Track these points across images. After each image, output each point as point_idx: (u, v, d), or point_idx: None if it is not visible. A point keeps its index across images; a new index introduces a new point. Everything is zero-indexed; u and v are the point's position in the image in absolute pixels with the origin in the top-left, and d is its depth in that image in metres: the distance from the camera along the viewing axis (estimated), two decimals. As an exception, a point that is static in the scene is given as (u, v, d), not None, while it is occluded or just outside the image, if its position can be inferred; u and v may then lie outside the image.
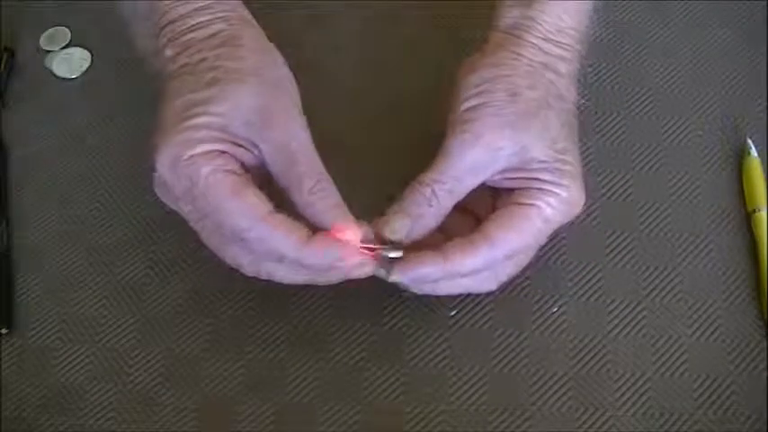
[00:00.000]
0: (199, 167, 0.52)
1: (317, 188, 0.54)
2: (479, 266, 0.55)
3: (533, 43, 0.57)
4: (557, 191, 0.55)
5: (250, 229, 0.52)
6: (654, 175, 0.64)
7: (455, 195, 0.55)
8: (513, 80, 0.56)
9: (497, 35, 0.59)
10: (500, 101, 0.55)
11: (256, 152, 0.54)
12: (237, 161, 0.54)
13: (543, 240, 0.57)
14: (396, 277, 0.55)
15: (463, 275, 0.56)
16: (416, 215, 0.55)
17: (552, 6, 0.58)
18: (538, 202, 0.55)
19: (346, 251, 0.53)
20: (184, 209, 0.56)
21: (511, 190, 0.56)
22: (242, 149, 0.54)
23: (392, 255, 0.55)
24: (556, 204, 0.55)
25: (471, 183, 0.56)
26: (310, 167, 0.54)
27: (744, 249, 0.61)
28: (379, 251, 0.54)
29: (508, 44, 0.58)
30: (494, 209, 0.56)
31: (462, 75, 0.57)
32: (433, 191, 0.55)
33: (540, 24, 0.58)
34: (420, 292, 0.57)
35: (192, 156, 0.52)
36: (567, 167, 0.56)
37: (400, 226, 0.55)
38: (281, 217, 0.53)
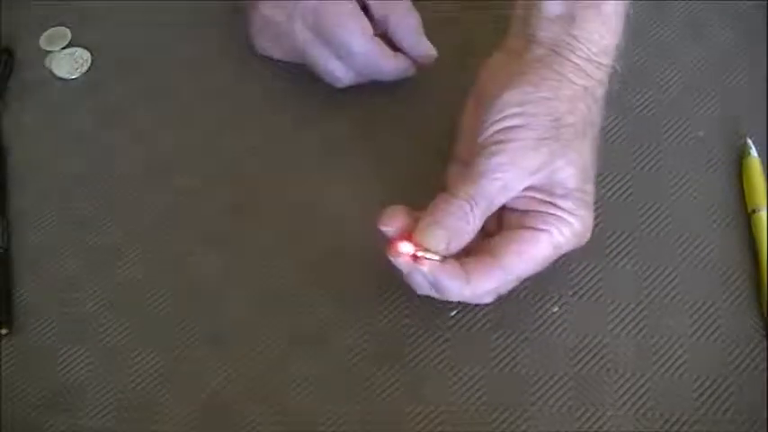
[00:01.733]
0: None
1: (408, 18, 0.66)
2: (493, 289, 0.56)
3: (577, 64, 0.56)
4: (571, 220, 0.55)
5: (359, 45, 0.63)
6: (654, 175, 0.64)
7: (486, 214, 0.55)
8: (555, 104, 0.55)
9: (537, 48, 0.57)
10: (540, 125, 0.55)
11: None
12: None
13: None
14: (427, 270, 0.54)
15: (479, 296, 0.56)
16: (455, 230, 0.55)
17: (596, 24, 0.57)
18: (551, 229, 0.55)
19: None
20: (297, 31, 0.65)
21: (525, 211, 0.56)
22: None
23: (429, 257, 0.54)
24: (568, 234, 0.55)
25: (501, 203, 0.56)
26: (406, 3, 0.66)
27: (744, 249, 0.61)
28: (422, 255, 0.54)
29: (551, 62, 0.56)
30: (499, 221, 0.57)
31: (498, 85, 0.56)
32: (472, 208, 0.55)
33: (584, 44, 0.56)
34: (420, 292, 0.57)
35: None
36: (587, 198, 0.56)
37: (440, 239, 0.54)
38: (380, 41, 0.64)
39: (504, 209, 0.56)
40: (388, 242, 0.55)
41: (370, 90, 0.67)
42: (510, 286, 0.57)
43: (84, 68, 0.72)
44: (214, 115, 0.69)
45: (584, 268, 0.61)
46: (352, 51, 0.64)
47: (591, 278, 0.60)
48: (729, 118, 0.66)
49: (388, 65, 0.65)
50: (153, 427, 0.57)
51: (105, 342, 0.60)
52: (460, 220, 0.55)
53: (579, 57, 0.56)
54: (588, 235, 0.57)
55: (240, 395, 0.58)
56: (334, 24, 0.63)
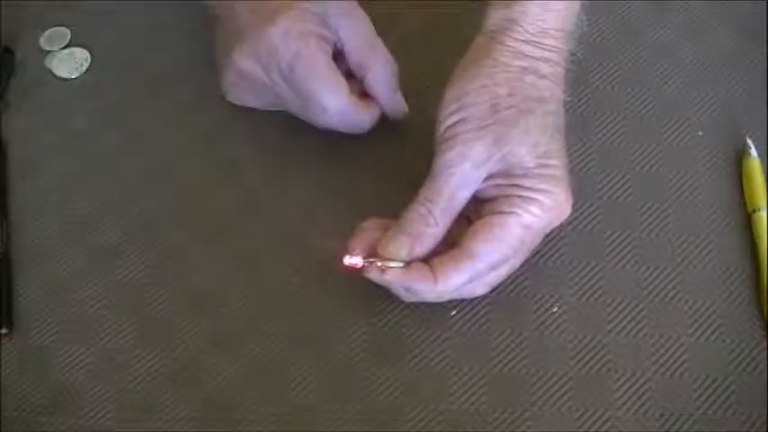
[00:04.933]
0: (308, 41, 0.62)
1: (386, 70, 0.64)
2: (465, 281, 0.56)
3: (512, 47, 0.57)
4: (537, 197, 0.55)
5: (333, 106, 0.62)
6: (654, 175, 0.64)
7: (450, 212, 0.56)
8: (492, 89, 0.56)
9: (479, 39, 0.59)
10: (480, 114, 0.56)
11: (335, 39, 0.63)
12: (330, 45, 0.63)
13: (533, 244, 0.57)
14: (390, 278, 0.56)
15: (452, 292, 0.57)
16: (415, 234, 0.56)
17: (533, 7, 0.58)
18: (517, 210, 0.55)
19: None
20: (276, 83, 0.63)
21: (494, 198, 0.56)
22: (329, 35, 0.63)
23: (392, 265, 0.56)
24: (536, 211, 0.55)
25: (463, 197, 0.56)
26: (384, 53, 0.64)
27: (744, 249, 0.61)
28: (382, 264, 0.56)
29: (487, 50, 0.58)
30: (479, 215, 0.57)
31: (447, 86, 0.58)
32: (429, 210, 0.56)
33: (521, 26, 0.58)
34: (408, 300, 0.58)
35: (302, 32, 0.61)
36: (549, 171, 0.56)
37: (400, 246, 0.56)
38: (357, 100, 0.63)
39: (477, 203, 0.57)
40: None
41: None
42: (498, 275, 0.57)
43: (84, 68, 0.72)
44: (214, 115, 0.69)
45: (584, 268, 0.61)
46: (326, 110, 0.62)
47: (591, 278, 0.60)
48: (729, 118, 0.66)
49: (363, 121, 0.64)
50: (153, 427, 0.57)
51: (105, 342, 0.60)
52: (420, 225, 0.56)
53: (515, 39, 0.57)
54: (566, 210, 0.57)
55: (240, 395, 0.58)
56: (308, 82, 0.62)
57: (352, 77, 0.64)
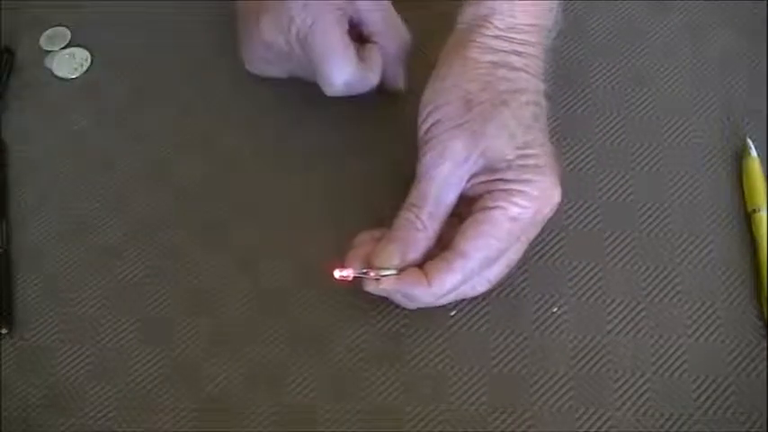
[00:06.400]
0: (324, 12, 0.63)
1: (398, 42, 0.65)
2: (459, 281, 0.56)
3: (481, 43, 0.57)
4: (521, 188, 0.55)
5: (339, 78, 0.63)
6: (654, 175, 0.64)
7: (437, 215, 0.56)
8: (464, 87, 0.56)
9: (451, 39, 0.59)
10: (454, 112, 0.56)
11: (353, 10, 0.64)
12: (347, 17, 0.64)
13: (527, 236, 0.57)
14: (384, 286, 0.56)
15: (448, 293, 0.56)
16: (406, 241, 0.56)
17: (502, 4, 0.58)
18: (502, 203, 0.55)
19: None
20: (293, 49, 0.65)
21: (480, 195, 0.56)
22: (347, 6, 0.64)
23: (386, 273, 0.56)
24: (522, 202, 0.55)
25: (450, 198, 0.56)
26: (400, 27, 0.66)
27: (744, 249, 0.61)
28: (375, 273, 0.56)
29: (458, 48, 0.58)
30: (469, 215, 0.57)
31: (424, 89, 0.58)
32: (416, 215, 0.56)
33: (490, 23, 0.58)
34: (410, 307, 0.58)
35: (320, 4, 0.62)
36: (531, 161, 0.56)
37: (391, 254, 0.56)
38: (362, 65, 0.64)
39: (466, 203, 0.57)
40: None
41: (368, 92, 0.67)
42: (496, 270, 0.57)
43: (84, 68, 0.72)
44: (214, 115, 0.69)
45: (584, 268, 0.61)
46: (332, 84, 0.64)
47: (591, 278, 0.60)
48: (729, 118, 0.66)
49: (367, 82, 0.65)
50: (153, 427, 0.57)
51: (105, 342, 0.60)
52: (409, 230, 0.56)
53: (484, 35, 0.58)
54: (554, 197, 0.56)
55: (240, 395, 0.58)
56: (319, 54, 0.63)
57: (363, 40, 0.66)
